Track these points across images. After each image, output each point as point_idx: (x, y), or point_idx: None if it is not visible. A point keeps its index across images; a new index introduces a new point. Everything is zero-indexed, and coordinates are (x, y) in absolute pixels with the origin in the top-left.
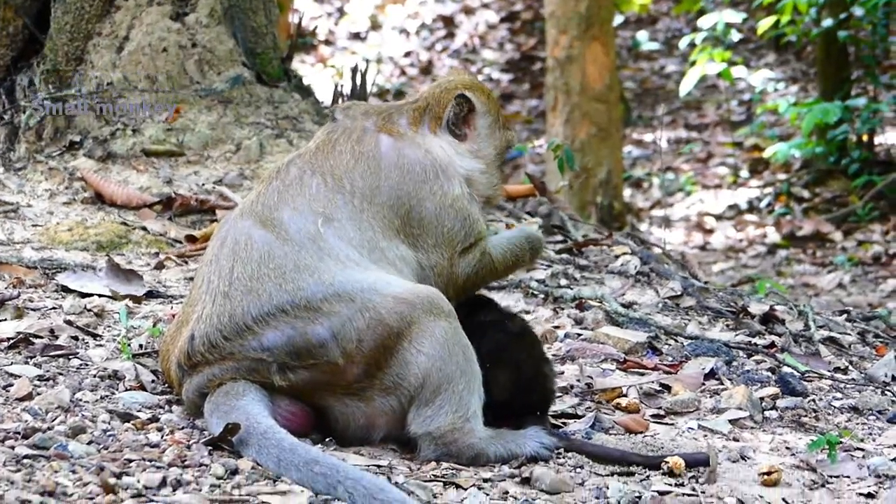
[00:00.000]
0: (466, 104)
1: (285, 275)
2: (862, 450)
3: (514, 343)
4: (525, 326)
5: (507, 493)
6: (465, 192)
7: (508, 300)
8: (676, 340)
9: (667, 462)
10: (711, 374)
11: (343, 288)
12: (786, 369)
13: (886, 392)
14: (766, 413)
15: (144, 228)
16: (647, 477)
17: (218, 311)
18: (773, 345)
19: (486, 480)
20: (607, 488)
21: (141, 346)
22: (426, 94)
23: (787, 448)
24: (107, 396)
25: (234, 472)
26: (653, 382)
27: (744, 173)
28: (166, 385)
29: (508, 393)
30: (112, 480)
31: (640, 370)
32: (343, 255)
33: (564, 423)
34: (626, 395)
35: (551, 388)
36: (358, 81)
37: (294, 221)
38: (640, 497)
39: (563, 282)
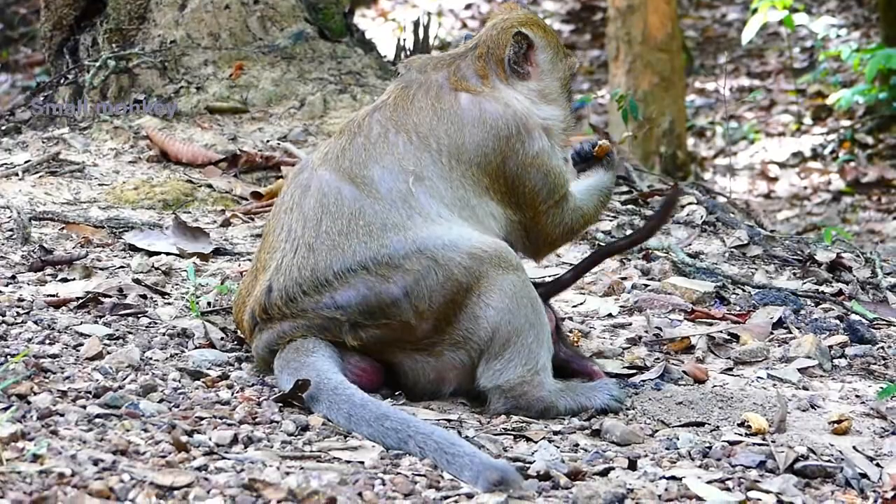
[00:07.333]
0: (525, 41)
1: (372, 232)
2: None
3: None
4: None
5: (577, 445)
6: (546, 146)
7: (575, 252)
8: (744, 290)
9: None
10: (780, 323)
11: (425, 244)
12: (854, 317)
13: None
14: (835, 361)
15: (210, 186)
16: (718, 427)
17: (300, 263)
18: (840, 292)
19: (556, 433)
20: (678, 439)
21: (209, 303)
22: (484, 38)
23: (857, 396)
24: (176, 354)
25: (305, 428)
26: (721, 332)
27: (807, 120)
28: (235, 342)
29: None
30: (184, 438)
31: (708, 320)
32: (434, 213)
33: (633, 375)
34: (694, 346)
35: None
36: (420, 35)
37: (385, 180)
38: (710, 447)
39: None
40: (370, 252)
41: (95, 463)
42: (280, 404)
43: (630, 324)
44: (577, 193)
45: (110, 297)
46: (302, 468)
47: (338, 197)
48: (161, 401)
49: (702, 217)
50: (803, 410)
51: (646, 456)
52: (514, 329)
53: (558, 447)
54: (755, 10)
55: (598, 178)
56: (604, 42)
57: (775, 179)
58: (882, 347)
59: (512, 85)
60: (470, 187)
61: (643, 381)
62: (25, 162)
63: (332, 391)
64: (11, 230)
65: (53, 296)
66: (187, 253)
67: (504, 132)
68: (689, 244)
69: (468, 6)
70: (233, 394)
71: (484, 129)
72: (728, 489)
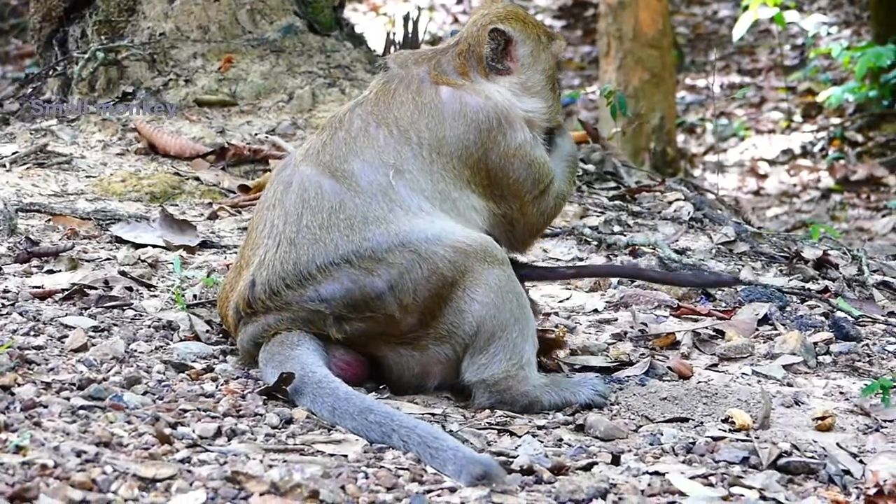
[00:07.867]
0: (502, 37)
1: (354, 226)
2: None
3: None
4: None
5: (561, 439)
6: (528, 138)
7: (561, 247)
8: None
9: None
10: (765, 320)
11: (407, 238)
12: (839, 314)
13: None
14: (820, 358)
15: (197, 179)
16: (702, 423)
17: (282, 258)
18: (826, 290)
19: (540, 427)
20: (661, 434)
21: (195, 296)
22: (466, 34)
23: (841, 393)
24: (161, 347)
25: (289, 421)
26: (706, 328)
27: (797, 118)
28: (221, 335)
29: None
30: (167, 430)
31: (694, 316)
32: (415, 206)
33: (618, 370)
34: (679, 342)
35: None
36: (410, 30)
37: (365, 174)
38: (693, 443)
39: (617, 228)
40: (352, 245)
41: (78, 455)
42: (264, 397)
43: (615, 319)
44: (556, 174)
45: (96, 289)
46: (285, 461)
47: (318, 191)
48: (145, 393)
49: (689, 213)
50: (787, 407)
51: (629, 451)
52: (498, 324)
53: (542, 442)
54: (746, 7)
55: (560, 150)
56: (595, 38)
57: (765, 176)
58: (867, 345)
59: (493, 80)
60: (451, 180)
61: (628, 376)
62: (13, 153)
63: (316, 384)
64: None
65: (39, 287)
66: (174, 245)
67: (485, 125)
68: (676, 240)
69: (460, 1)
70: (217, 386)
71: (465, 122)
72: (711, 485)
